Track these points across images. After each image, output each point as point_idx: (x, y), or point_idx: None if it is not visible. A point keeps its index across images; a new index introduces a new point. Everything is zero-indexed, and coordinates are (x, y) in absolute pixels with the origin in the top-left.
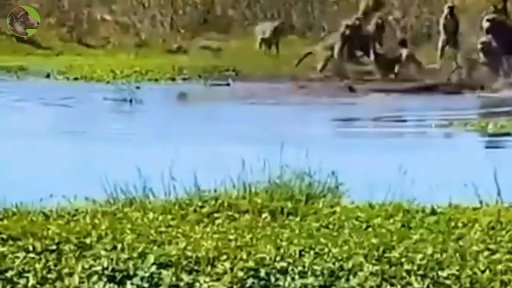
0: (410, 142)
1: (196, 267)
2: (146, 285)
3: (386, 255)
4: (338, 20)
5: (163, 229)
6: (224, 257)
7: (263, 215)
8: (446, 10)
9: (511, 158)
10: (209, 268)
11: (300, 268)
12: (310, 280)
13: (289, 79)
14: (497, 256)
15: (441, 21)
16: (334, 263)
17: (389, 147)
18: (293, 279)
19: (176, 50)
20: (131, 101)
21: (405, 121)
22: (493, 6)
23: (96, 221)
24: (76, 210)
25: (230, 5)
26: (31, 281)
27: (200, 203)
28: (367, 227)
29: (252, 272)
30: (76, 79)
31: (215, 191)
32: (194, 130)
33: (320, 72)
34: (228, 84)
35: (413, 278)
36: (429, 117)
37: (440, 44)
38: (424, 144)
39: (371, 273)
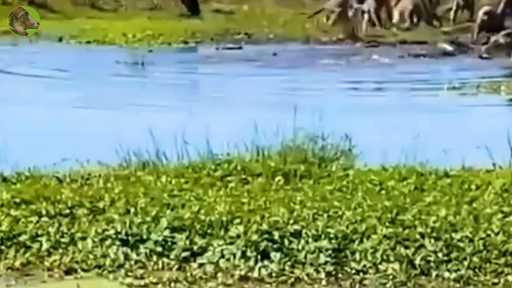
0: (423, 105)
1: (209, 231)
2: (159, 249)
3: (399, 217)
4: None
5: (176, 192)
6: (238, 220)
7: (276, 178)
8: None
9: None
10: (222, 232)
11: (313, 231)
12: (324, 243)
13: (302, 42)
14: (510, 218)
15: None
16: (347, 226)
17: (402, 110)
18: (306, 242)
19: (188, 13)
20: (143, 64)
21: (418, 84)
22: None
23: (109, 185)
24: (89, 174)
25: None
26: (44, 245)
27: (213, 167)
28: (381, 189)
29: (265, 235)
30: (88, 42)
31: (228, 154)
32: (206, 93)
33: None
34: (240, 48)
35: (426, 240)
36: (442, 79)
37: (454, 7)
38: (437, 107)
39: (385, 236)
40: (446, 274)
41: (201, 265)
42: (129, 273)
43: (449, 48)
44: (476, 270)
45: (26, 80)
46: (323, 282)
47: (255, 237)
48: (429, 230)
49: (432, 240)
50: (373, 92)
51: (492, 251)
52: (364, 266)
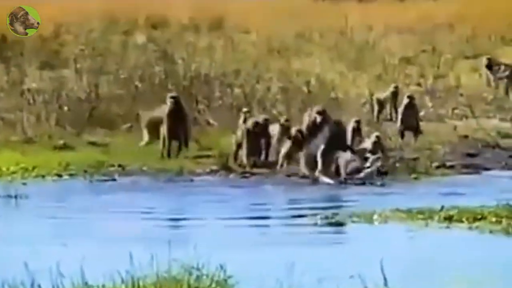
0: (298, 236)
1: None
2: None
3: None
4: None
5: None
6: None
7: None
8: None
9: (398, 248)
10: None
11: None
12: None
13: (175, 173)
14: None
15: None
16: None
17: (277, 240)
18: None
19: (62, 146)
20: (16, 197)
21: (293, 214)
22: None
23: None
24: None
25: (116, 101)
26: None
27: None
28: None
29: None
30: None
31: (103, 286)
32: (81, 226)
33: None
34: (114, 180)
35: None
36: (317, 210)
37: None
38: (311, 237)
39: None
40: None
41: None
42: None
43: (329, 181)
44: None
45: None
46: None
47: None
48: None
49: None
50: (248, 223)
51: None
52: None
